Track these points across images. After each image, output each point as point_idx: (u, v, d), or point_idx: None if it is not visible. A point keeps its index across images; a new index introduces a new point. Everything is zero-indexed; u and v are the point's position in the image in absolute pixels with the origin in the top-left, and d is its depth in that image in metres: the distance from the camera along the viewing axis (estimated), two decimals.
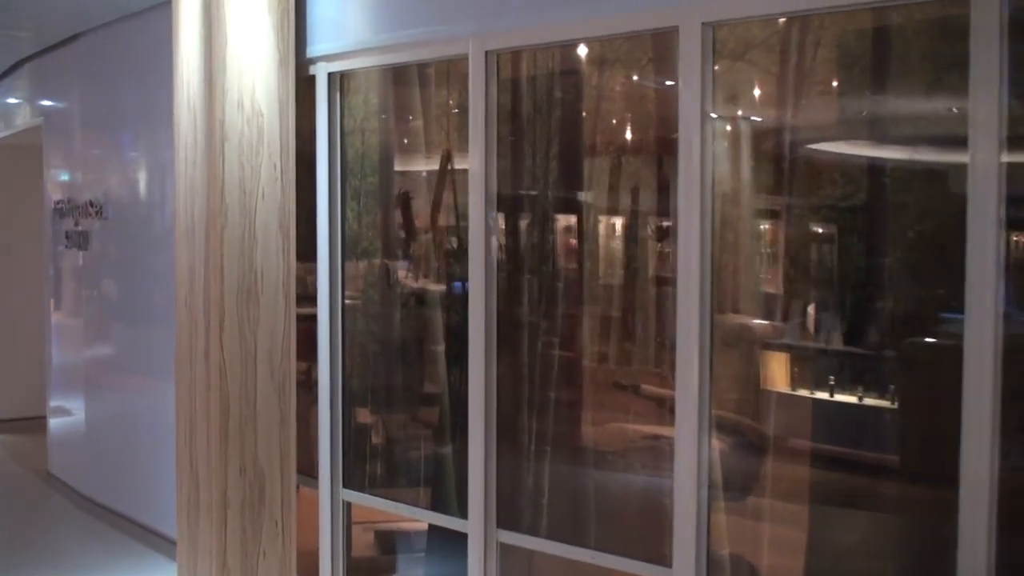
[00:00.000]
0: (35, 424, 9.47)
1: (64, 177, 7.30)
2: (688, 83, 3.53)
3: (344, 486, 4.92)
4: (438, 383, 4.72)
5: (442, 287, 4.74)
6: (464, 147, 4.46)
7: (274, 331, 4.78)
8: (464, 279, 4.28)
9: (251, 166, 4.73)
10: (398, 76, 4.81)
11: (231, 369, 4.74)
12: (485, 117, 4.18)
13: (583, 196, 4.34)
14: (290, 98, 4.79)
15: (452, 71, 4.53)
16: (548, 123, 4.31)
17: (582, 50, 4.17)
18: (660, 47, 3.88)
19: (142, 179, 6.26)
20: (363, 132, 4.90)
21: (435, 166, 4.69)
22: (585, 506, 4.27)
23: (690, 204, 3.55)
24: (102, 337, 6.75)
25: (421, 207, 4.83)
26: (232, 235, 4.72)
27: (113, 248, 6.53)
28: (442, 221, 4.71)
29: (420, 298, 4.87)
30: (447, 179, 4.62)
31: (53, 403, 7.65)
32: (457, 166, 4.54)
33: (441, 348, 4.66)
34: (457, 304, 4.55)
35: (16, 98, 8.79)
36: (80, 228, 6.87)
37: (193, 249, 4.83)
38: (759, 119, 3.80)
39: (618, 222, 4.33)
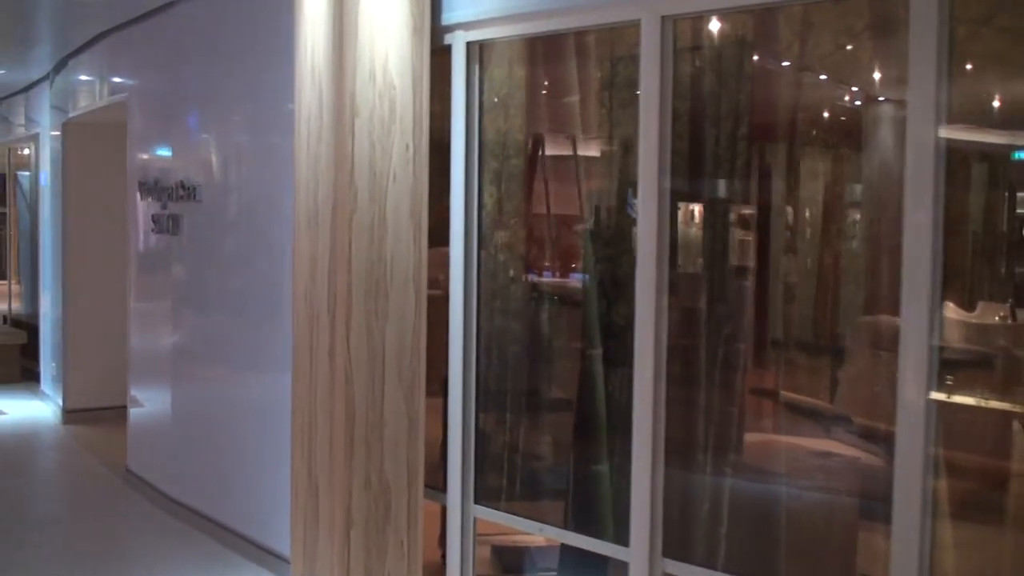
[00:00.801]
0: (110, 414, 9.11)
1: (150, 157, 6.86)
2: (921, 51, 2.98)
3: (474, 501, 4.43)
4: (590, 388, 4.21)
5: (594, 282, 4.22)
6: (626, 128, 3.94)
7: (403, 328, 4.30)
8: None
9: (382, 145, 4.24)
10: (550, 46, 4.30)
11: (357, 371, 4.26)
12: (660, 94, 3.66)
13: (770, 184, 3.81)
14: (424, 70, 4.29)
15: (617, 40, 4.01)
16: (733, 101, 3.78)
17: (779, 14, 3.64)
18: (878, 8, 3.34)
19: (242, 160, 5.80)
20: (506, 109, 4.39)
21: (591, 150, 4.17)
22: (769, 533, 3.75)
23: (919, 199, 2.99)
24: (193, 327, 6.31)
25: (572, 193, 4.31)
26: (361, 222, 4.24)
27: (207, 233, 6.07)
28: (600, 209, 4.20)
29: (566, 294, 4.36)
30: (612, 163, 4.11)
31: (133, 395, 7.22)
32: (619, 148, 4.02)
33: (596, 351, 4.14)
34: (615, 301, 4.04)
35: (95, 74, 8.38)
36: (169, 211, 6.43)
37: (317, 237, 4.35)
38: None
39: (812, 213, 3.80)
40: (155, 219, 6.64)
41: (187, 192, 6.16)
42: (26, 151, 12.63)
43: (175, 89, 6.48)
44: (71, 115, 8.86)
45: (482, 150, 4.37)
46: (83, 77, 8.68)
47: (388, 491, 4.32)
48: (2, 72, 9.60)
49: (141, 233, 6.97)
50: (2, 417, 9.40)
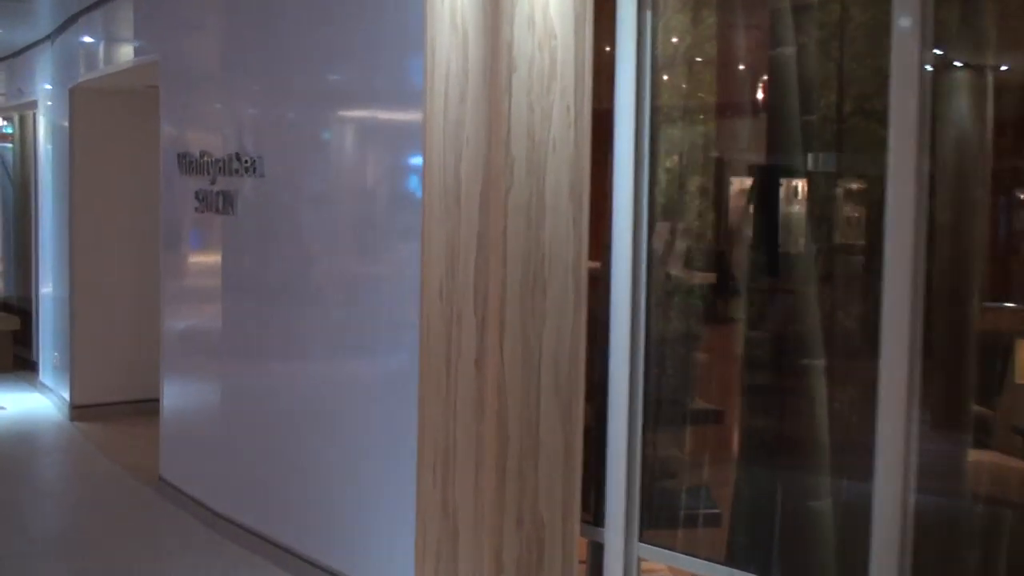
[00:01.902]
0: (126, 411, 8.27)
1: (193, 126, 6.00)
2: None
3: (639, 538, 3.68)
4: (805, 408, 3.45)
5: (812, 275, 3.46)
6: (863, 86, 3.19)
7: (561, 331, 3.52)
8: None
9: (541, 107, 3.46)
10: None
11: (511, 384, 3.49)
12: (921, 40, 2.90)
13: None
14: (588, 15, 3.49)
15: None
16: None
17: None
18: None
19: (328, 127, 4.97)
20: (688, 66, 3.61)
21: (809, 114, 3.40)
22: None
23: None
24: (250, 318, 5.49)
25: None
26: (518, 201, 3.45)
27: (273, 213, 5.24)
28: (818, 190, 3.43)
29: (772, 289, 3.60)
30: (843, 131, 3.33)
31: (168, 391, 6.38)
32: (856, 113, 3.26)
33: (816, 361, 3.38)
34: (846, 299, 3.29)
35: (113, 32, 7.48)
36: (219, 187, 5.58)
37: (459, 220, 3.55)
38: None
39: None
40: (199, 196, 5.79)
41: (246, 165, 5.32)
42: (2, 122, 11.64)
43: (228, 45, 5.62)
44: (80, 79, 7.94)
45: (655, 116, 3.58)
46: (95, 37, 7.77)
47: (542, 529, 3.56)
48: None
49: (180, 211, 6.11)
50: (1, 413, 8.50)
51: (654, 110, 3.58)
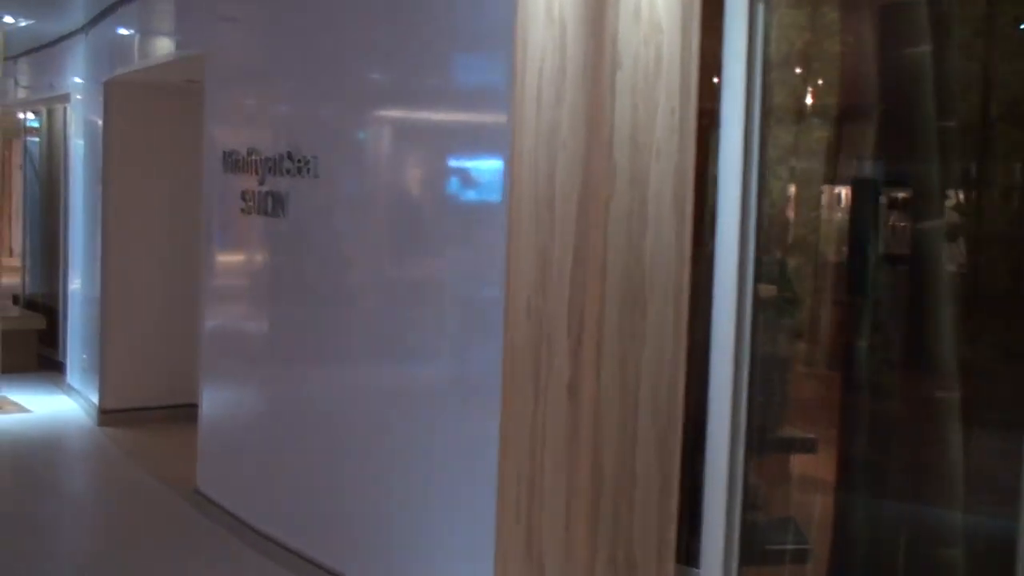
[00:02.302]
0: (157, 416, 8.00)
1: (240, 123, 5.72)
2: None
3: None
4: (937, 445, 3.13)
5: (944, 293, 3.14)
6: (1016, 89, 2.87)
7: (660, 355, 3.21)
8: None
9: (646, 108, 3.15)
10: None
11: (607, 412, 3.18)
12: None
13: None
14: (695, 8, 3.19)
15: None
16: None
17: None
18: None
19: (392, 128, 4.67)
20: (808, 63, 3.29)
21: (946, 119, 3.08)
22: None
23: None
24: (300, 325, 5.19)
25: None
26: (619, 211, 3.15)
27: (327, 217, 4.95)
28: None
29: (894, 310, 3.28)
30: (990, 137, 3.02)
31: (207, 401, 6.10)
32: (1005, 116, 2.94)
33: (951, 394, 3.06)
34: (987, 323, 2.97)
35: (152, 24, 7.21)
36: (268, 188, 5.29)
37: (552, 232, 3.24)
38: None
39: None
40: (246, 196, 5.49)
41: (298, 165, 5.02)
42: (29, 116, 11.38)
43: (281, 39, 5.32)
44: (116, 73, 7.66)
45: (765, 119, 3.27)
46: (133, 29, 7.49)
47: (634, 570, 3.25)
48: (30, 23, 8.36)
49: (224, 212, 5.82)
50: (27, 416, 8.23)
51: (765, 113, 3.26)
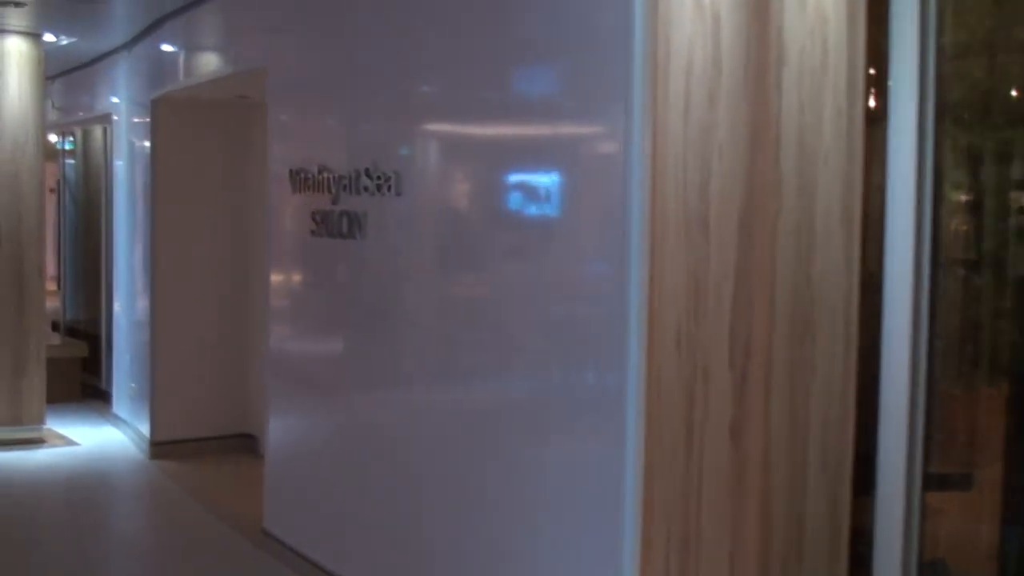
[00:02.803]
0: (211, 447, 7.66)
1: (311, 139, 5.38)
2: None
3: None
4: None
5: None
6: None
7: (830, 388, 2.84)
8: None
9: (812, 110, 2.78)
10: None
11: (777, 456, 2.80)
12: None
13: None
14: None
15: None
16: None
17: None
18: None
19: (482, 139, 4.31)
20: (991, 54, 2.91)
21: None
22: None
23: None
24: (383, 354, 4.82)
25: None
26: (787, 226, 2.77)
27: (412, 236, 4.59)
28: None
29: None
30: None
31: (275, 433, 5.73)
32: None
33: None
34: None
35: (205, 39, 6.89)
36: (343, 207, 4.93)
37: (706, 249, 2.86)
38: None
39: None
40: (318, 217, 5.14)
41: (378, 183, 4.66)
42: (60, 139, 11.07)
43: (356, 49, 4.97)
44: (164, 90, 7.35)
45: (940, 118, 2.89)
46: (183, 45, 7.18)
47: None
48: (71, 41, 8.07)
49: (291, 233, 5.47)
50: (74, 449, 7.89)
51: (939, 112, 2.89)
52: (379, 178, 4.67)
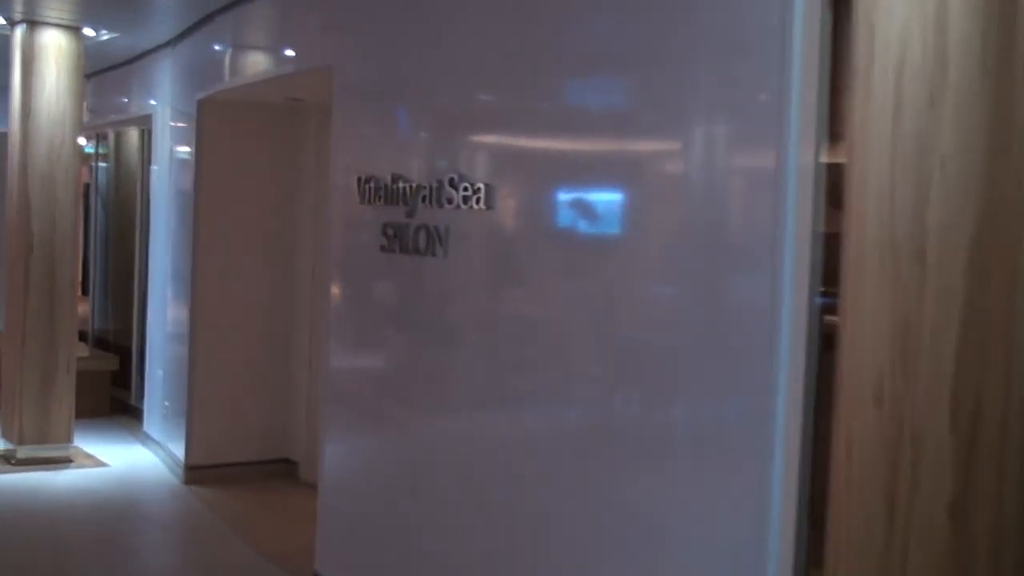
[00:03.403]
0: (252, 474, 7.17)
1: (382, 144, 4.88)
2: None
3: None
4: None
5: None
6: None
7: None
8: None
9: None
10: None
11: (1009, 547, 2.25)
12: None
13: None
14: None
15: None
16: None
17: None
18: None
19: (585, 149, 3.79)
20: None
21: None
22: None
23: None
24: (454, 384, 4.31)
25: None
26: None
27: (505, 254, 4.08)
28: None
29: None
30: None
31: (330, 461, 5.22)
32: None
33: None
34: None
35: (260, 36, 6.41)
36: (420, 221, 4.43)
37: (920, 282, 2.31)
38: None
39: None
40: (390, 231, 4.64)
41: (464, 195, 4.15)
42: (88, 142, 10.60)
43: (441, 47, 4.47)
44: (212, 90, 6.87)
45: None
46: (234, 42, 6.71)
47: None
48: (111, 36, 7.61)
49: (358, 247, 4.97)
50: (104, 471, 7.40)
51: None
52: (466, 189, 4.16)
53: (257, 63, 6.44)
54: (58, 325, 7.38)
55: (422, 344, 4.53)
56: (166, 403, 7.70)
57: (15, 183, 7.33)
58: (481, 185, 4.09)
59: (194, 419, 7.15)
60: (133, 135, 9.96)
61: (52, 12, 6.93)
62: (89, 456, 7.67)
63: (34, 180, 7.21)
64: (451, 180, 4.25)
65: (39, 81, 7.19)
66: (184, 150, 7.44)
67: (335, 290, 5.19)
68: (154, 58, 8.16)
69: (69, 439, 7.48)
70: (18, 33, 7.26)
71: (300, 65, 5.59)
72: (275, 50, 6.20)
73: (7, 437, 7.44)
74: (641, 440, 3.41)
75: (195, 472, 7.14)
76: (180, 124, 7.56)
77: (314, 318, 7.19)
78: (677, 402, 3.30)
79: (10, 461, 7.32)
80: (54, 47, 7.22)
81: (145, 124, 8.78)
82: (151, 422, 8.13)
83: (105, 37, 7.60)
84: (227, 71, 6.73)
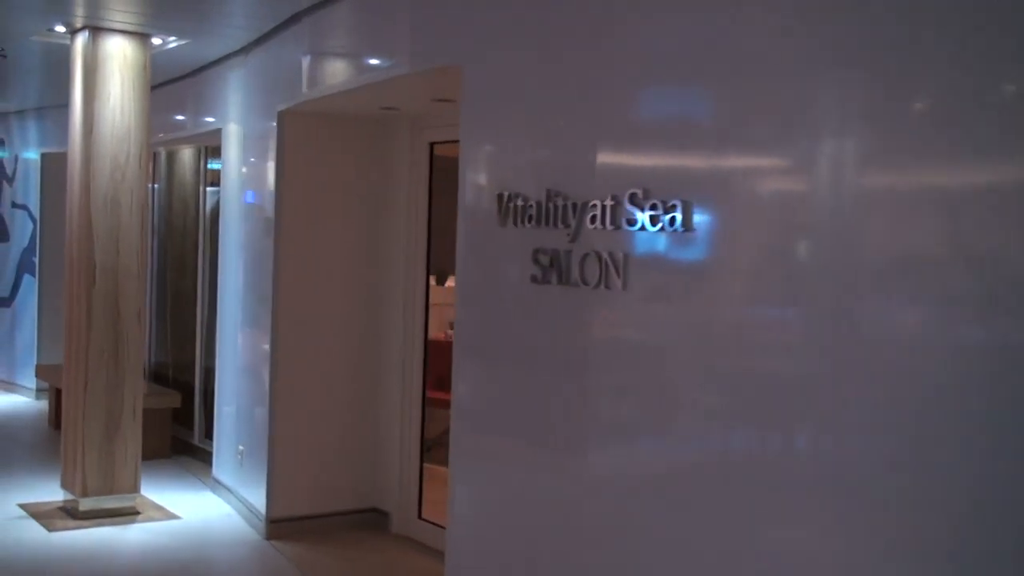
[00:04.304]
0: (342, 525, 6.45)
1: (527, 154, 4.13)
2: None
3: None
4: None
5: None
6: None
7: None
8: None
9: None
10: None
11: None
12: None
13: None
14: None
15: None
16: None
17: None
18: None
19: (823, 157, 3.01)
20: None
21: None
22: None
23: None
24: (650, 453, 3.54)
25: None
26: None
27: (708, 290, 3.31)
28: None
29: None
30: None
31: (459, 521, 4.46)
32: None
33: None
34: None
35: (363, 34, 5.69)
36: (585, 246, 3.68)
37: None
38: None
39: None
40: (542, 257, 3.89)
41: (654, 215, 3.39)
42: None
43: (609, 35, 3.72)
44: (297, 100, 6.15)
45: None
46: (322, 46, 5.99)
47: None
48: (179, 44, 6.92)
49: (498, 278, 4.22)
50: (176, 525, 6.66)
51: None
52: (655, 207, 3.40)
53: (350, 69, 5.71)
54: (123, 364, 6.67)
55: (592, 392, 3.76)
56: (240, 447, 6.96)
57: (75, 207, 6.64)
58: (677, 203, 3.32)
59: (276, 466, 6.42)
60: (187, 154, 9.29)
61: (117, 17, 6.25)
62: (157, 507, 6.94)
63: (96, 203, 6.51)
64: (633, 196, 3.49)
65: (102, 94, 6.50)
66: (259, 168, 6.73)
67: (462, 329, 4.43)
68: (221, 69, 7.47)
69: (136, 488, 6.76)
70: (79, 41, 6.58)
71: (416, 65, 4.83)
72: (375, 52, 5.47)
73: (68, 487, 6.73)
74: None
75: (278, 526, 6.40)
76: (255, 139, 6.85)
77: (407, 352, 6.46)
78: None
79: (73, 515, 6.60)
80: (119, 56, 6.53)
81: (209, 140, 8.09)
82: (222, 466, 7.40)
83: (172, 45, 6.92)
84: (314, 79, 6.01)
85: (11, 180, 11.71)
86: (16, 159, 11.62)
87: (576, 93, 3.84)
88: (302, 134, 6.36)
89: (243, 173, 7.10)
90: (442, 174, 6.20)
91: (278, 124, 6.32)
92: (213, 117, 7.69)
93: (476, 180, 4.34)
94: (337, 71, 5.89)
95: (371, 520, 6.62)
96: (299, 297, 6.43)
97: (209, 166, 8.71)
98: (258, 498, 6.56)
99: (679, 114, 3.49)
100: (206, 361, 8.55)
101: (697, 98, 3.42)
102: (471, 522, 4.44)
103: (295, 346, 6.42)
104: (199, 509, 7.04)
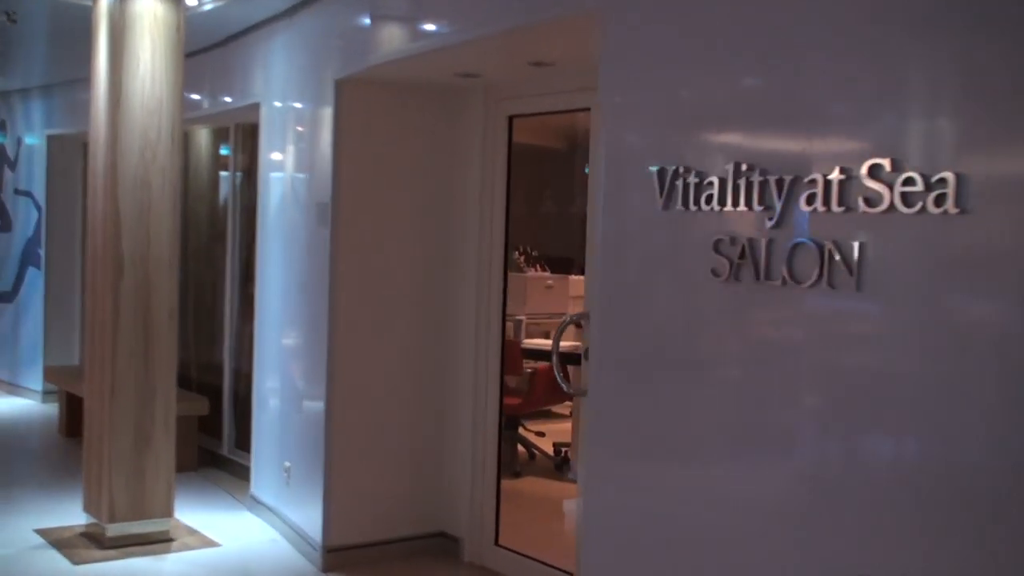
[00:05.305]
0: (400, 552, 5.69)
1: (700, 115, 3.30)
2: None
3: None
4: None
5: None
6: None
7: None
8: None
9: None
10: None
11: None
12: None
13: None
14: None
15: None
16: None
17: None
18: None
19: None
20: None
21: None
22: None
23: None
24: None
25: None
26: None
27: (995, 288, 2.49)
28: None
29: None
30: None
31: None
32: None
33: None
34: None
35: None
36: (801, 234, 2.86)
37: None
38: None
39: None
40: (728, 248, 3.07)
41: (907, 192, 2.58)
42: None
43: None
44: (360, 67, 5.31)
45: None
46: (390, 3, 5.16)
47: None
48: (216, 6, 6.07)
49: (660, 274, 3.40)
50: (215, 553, 5.83)
51: None
52: (910, 182, 2.58)
53: (437, 24, 4.86)
54: (154, 370, 5.84)
55: (790, 429, 2.94)
56: (287, 463, 6.13)
57: (100, 191, 5.80)
58: (948, 175, 2.50)
59: (333, 486, 5.60)
60: (203, 133, 8.45)
61: None
62: (192, 532, 6.11)
63: (124, 186, 5.67)
64: (873, 169, 2.67)
65: (130, 61, 5.65)
66: (311, 146, 5.88)
67: (603, 334, 3.60)
68: (260, 35, 6.62)
69: (169, 512, 5.93)
70: (103, 2, 5.72)
71: (536, 15, 3.98)
72: (461, 6, 4.63)
73: (91, 510, 5.90)
74: None
75: (337, 555, 5.58)
76: (302, 112, 6.01)
77: (479, 356, 5.65)
78: None
79: (99, 542, 5.77)
80: (149, 17, 5.67)
81: (243, 117, 7.25)
82: (262, 483, 6.56)
83: (208, 6, 6.06)
84: (381, 40, 5.17)
85: (13, 165, 10.84)
86: (19, 142, 10.75)
87: (770, 41, 3.01)
88: (365, 106, 5.53)
89: (288, 153, 6.26)
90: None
91: (336, 95, 5.47)
92: (250, 89, 6.83)
93: (622, 153, 3.50)
94: (406, 33, 5.04)
95: (438, 546, 5.81)
96: (358, 294, 5.60)
97: (233, 148, 7.86)
98: (310, 522, 5.74)
99: (949, 52, 2.65)
100: (236, 364, 7.72)
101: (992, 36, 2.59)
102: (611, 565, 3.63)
103: (353, 350, 5.60)
104: (239, 533, 6.21)
